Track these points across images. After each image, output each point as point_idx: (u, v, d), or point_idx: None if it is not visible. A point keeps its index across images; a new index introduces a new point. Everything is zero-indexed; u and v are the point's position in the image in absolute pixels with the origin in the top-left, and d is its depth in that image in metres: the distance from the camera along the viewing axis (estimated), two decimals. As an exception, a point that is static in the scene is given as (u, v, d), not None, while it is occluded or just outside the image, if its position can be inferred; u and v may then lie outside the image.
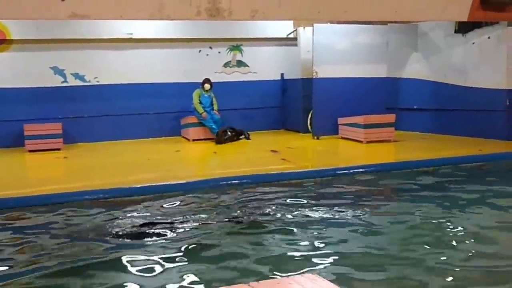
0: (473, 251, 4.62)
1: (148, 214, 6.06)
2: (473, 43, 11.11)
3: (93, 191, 6.80)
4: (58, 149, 11.00)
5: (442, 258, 4.44)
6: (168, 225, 5.59)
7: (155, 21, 11.41)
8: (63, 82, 12.08)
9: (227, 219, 5.79)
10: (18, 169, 9.58)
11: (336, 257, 4.52)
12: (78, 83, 12.19)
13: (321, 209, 6.10)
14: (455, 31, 11.42)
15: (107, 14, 5.79)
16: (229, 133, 11.89)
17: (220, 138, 11.67)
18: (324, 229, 5.34)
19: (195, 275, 4.19)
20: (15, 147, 11.32)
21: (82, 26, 11.63)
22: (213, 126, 11.87)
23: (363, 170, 8.07)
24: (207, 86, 12.12)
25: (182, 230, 5.43)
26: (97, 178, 7.79)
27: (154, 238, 5.20)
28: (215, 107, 12.20)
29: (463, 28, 11.16)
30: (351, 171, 8.00)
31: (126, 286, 4.05)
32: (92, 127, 12.24)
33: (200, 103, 12.03)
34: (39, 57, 11.81)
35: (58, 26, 11.55)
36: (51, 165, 9.76)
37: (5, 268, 4.51)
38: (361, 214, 5.90)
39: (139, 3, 5.58)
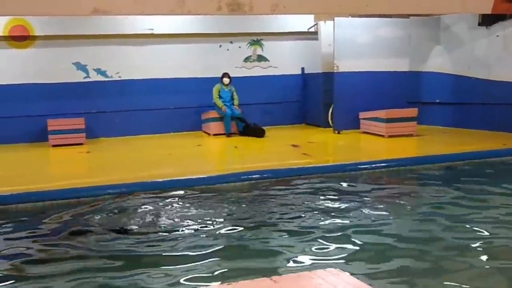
0: (500, 247, 4.57)
1: (169, 208, 6.10)
2: (497, 35, 10.93)
3: (116, 185, 6.86)
4: (81, 144, 11.13)
5: (464, 254, 4.40)
6: (188, 220, 5.62)
7: (176, 16, 11.45)
8: (85, 77, 12.19)
9: (247, 213, 5.80)
10: (42, 163, 9.71)
11: (359, 252, 4.51)
12: (100, 78, 12.29)
13: (343, 204, 6.08)
14: (479, 24, 11.24)
15: (128, 9, 5.84)
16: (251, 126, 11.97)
17: (247, 129, 11.78)
18: (347, 224, 5.32)
19: (216, 269, 4.22)
20: (39, 142, 11.48)
21: (103, 22, 11.72)
22: (228, 127, 11.94)
23: (385, 164, 8.02)
24: (226, 80, 12.14)
25: (202, 224, 5.45)
26: (119, 172, 7.86)
27: (174, 232, 5.23)
28: (236, 102, 12.21)
29: (486, 20, 10.99)
30: (373, 165, 7.94)
31: (140, 279, 4.09)
32: (114, 122, 12.35)
33: (221, 97, 12.07)
34: (62, 53, 11.94)
35: (81, 22, 11.67)
36: (74, 160, 9.87)
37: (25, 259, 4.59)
38: (383, 209, 5.87)
39: (160, -1, 5.61)
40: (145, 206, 6.17)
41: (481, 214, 5.54)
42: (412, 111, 11.09)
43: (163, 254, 4.63)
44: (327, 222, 5.40)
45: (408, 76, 12.14)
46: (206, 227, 5.36)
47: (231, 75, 12.29)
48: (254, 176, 7.33)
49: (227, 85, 12.18)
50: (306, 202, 6.20)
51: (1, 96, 11.57)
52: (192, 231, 5.25)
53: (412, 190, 7.12)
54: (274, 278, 2.75)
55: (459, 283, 3.83)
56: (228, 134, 11.94)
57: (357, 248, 4.60)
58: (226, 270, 4.18)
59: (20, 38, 11.61)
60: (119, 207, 6.15)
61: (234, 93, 12.22)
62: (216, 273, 4.13)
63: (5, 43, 11.55)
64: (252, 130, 11.80)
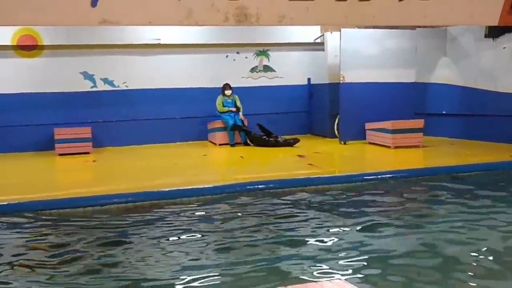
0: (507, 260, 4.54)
1: (175, 218, 6.10)
2: (504, 47, 10.93)
3: (122, 194, 6.86)
4: (87, 153, 11.17)
5: (470, 265, 4.37)
6: (195, 229, 5.62)
7: (183, 27, 11.52)
8: (92, 87, 12.27)
9: (253, 224, 5.79)
10: (48, 172, 9.74)
11: (364, 263, 4.49)
12: (107, 88, 12.36)
13: (349, 215, 6.06)
14: (485, 36, 11.25)
15: (136, 20, 5.88)
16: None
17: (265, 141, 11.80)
18: (352, 235, 5.31)
19: (221, 280, 4.21)
20: (45, 151, 11.54)
21: (111, 32, 11.80)
22: (232, 137, 11.97)
23: (391, 175, 7.99)
24: (228, 92, 12.15)
25: (207, 234, 5.45)
26: (125, 181, 7.87)
27: (180, 242, 5.23)
28: (238, 105, 12.17)
29: (493, 32, 10.99)
30: (379, 176, 7.93)
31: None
32: (121, 131, 12.40)
33: (224, 107, 12.12)
34: (69, 62, 12.02)
35: (88, 32, 11.76)
36: (81, 169, 9.90)
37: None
38: (389, 220, 5.85)
39: (167, 10, 5.65)
40: (149, 217, 6.18)
41: (490, 226, 5.51)
42: (419, 122, 11.07)
43: (169, 264, 4.62)
44: (333, 233, 5.39)
45: (415, 87, 12.14)
46: (211, 237, 5.36)
47: (237, 86, 12.34)
48: (259, 186, 7.33)
49: (229, 96, 12.19)
50: (311, 213, 6.19)
51: (8, 105, 11.65)
52: (197, 241, 5.25)
53: (418, 201, 7.10)
54: (280, 289, 2.75)
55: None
56: (232, 145, 11.95)
57: (363, 259, 4.58)
58: (232, 281, 4.17)
59: (28, 48, 11.71)
60: (122, 217, 6.16)
61: (237, 101, 12.22)
62: (221, 284, 4.12)
63: (13, 53, 11.66)
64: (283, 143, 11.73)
